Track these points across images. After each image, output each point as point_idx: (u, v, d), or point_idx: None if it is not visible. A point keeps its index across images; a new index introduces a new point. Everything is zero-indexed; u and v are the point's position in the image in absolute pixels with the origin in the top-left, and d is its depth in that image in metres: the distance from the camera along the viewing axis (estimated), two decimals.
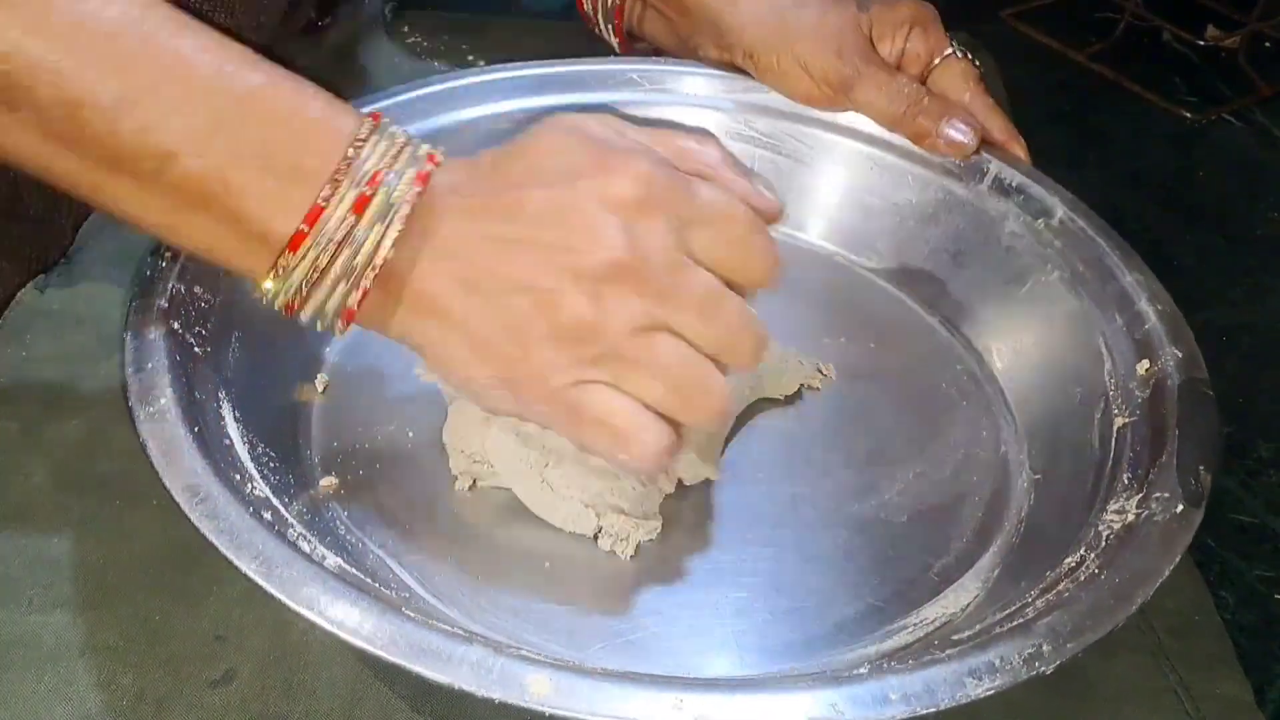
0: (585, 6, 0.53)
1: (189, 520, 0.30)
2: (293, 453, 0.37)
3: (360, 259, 0.30)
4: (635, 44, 0.53)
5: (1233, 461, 0.48)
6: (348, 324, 0.32)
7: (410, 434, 0.39)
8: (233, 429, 0.34)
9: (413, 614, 0.28)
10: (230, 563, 0.29)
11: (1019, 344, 0.43)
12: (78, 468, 0.38)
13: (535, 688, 0.27)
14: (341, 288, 0.31)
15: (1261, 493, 0.47)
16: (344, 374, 0.41)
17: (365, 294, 0.31)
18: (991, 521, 0.38)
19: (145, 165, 0.30)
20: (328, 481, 0.37)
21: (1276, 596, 0.43)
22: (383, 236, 0.30)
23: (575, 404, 0.31)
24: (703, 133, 0.36)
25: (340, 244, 0.30)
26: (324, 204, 0.30)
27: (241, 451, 0.34)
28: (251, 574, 0.29)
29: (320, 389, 0.41)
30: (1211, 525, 0.45)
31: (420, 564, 0.35)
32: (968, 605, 0.35)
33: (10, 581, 0.35)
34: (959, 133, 0.45)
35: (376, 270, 0.30)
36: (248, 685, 0.33)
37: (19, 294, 0.44)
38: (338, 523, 0.36)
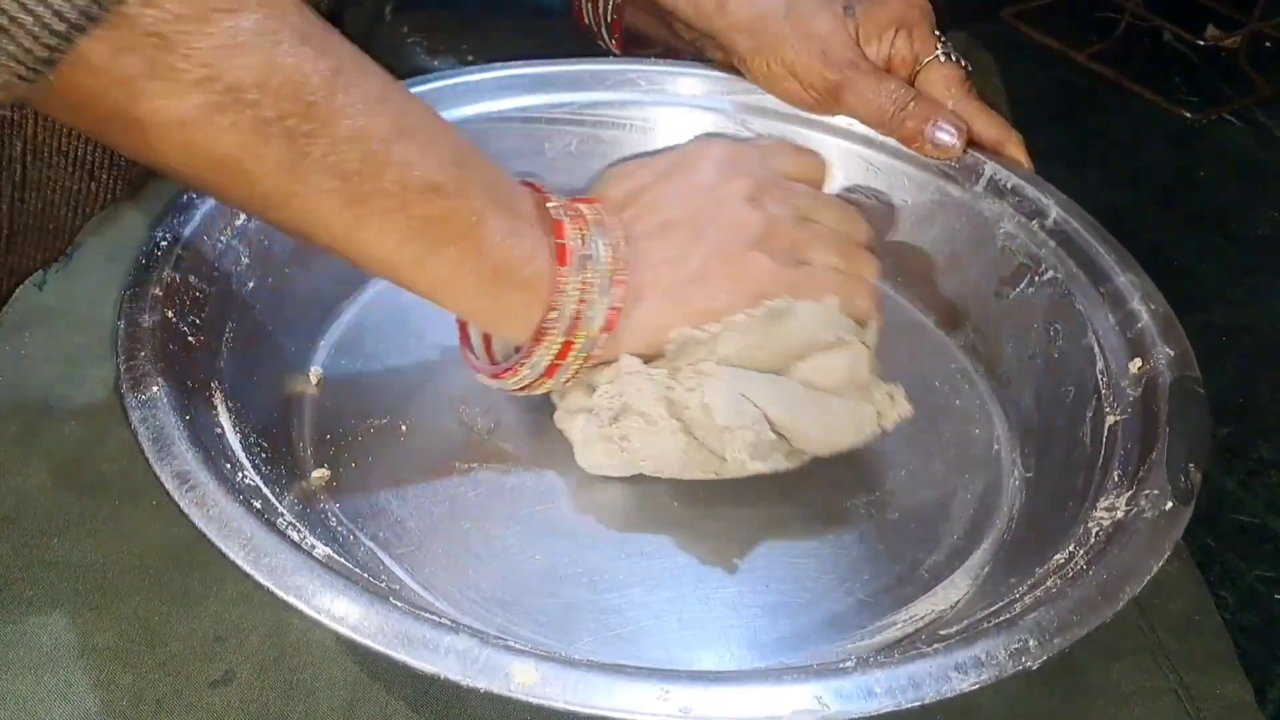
0: (585, 19, 0.53)
1: (181, 511, 0.30)
2: (285, 444, 0.38)
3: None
4: (638, 51, 0.53)
5: (1233, 461, 0.48)
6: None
7: (403, 427, 0.39)
8: (225, 418, 0.34)
9: (400, 603, 0.28)
10: (221, 553, 0.29)
11: (1011, 342, 0.43)
12: (76, 468, 0.38)
13: (520, 677, 0.27)
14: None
15: (1261, 493, 0.46)
16: (338, 366, 0.41)
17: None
18: (983, 519, 0.38)
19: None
20: (320, 473, 0.37)
21: (1276, 596, 0.42)
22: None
23: (791, 280, 0.37)
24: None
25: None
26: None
27: (233, 441, 0.34)
28: (239, 561, 0.29)
29: (314, 381, 0.41)
30: (1211, 525, 0.44)
31: (410, 556, 0.35)
32: (958, 602, 0.35)
33: (9, 582, 0.35)
34: (946, 134, 0.45)
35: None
36: (247, 686, 0.33)
37: (17, 290, 0.44)
38: (329, 514, 0.36)
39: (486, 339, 0.39)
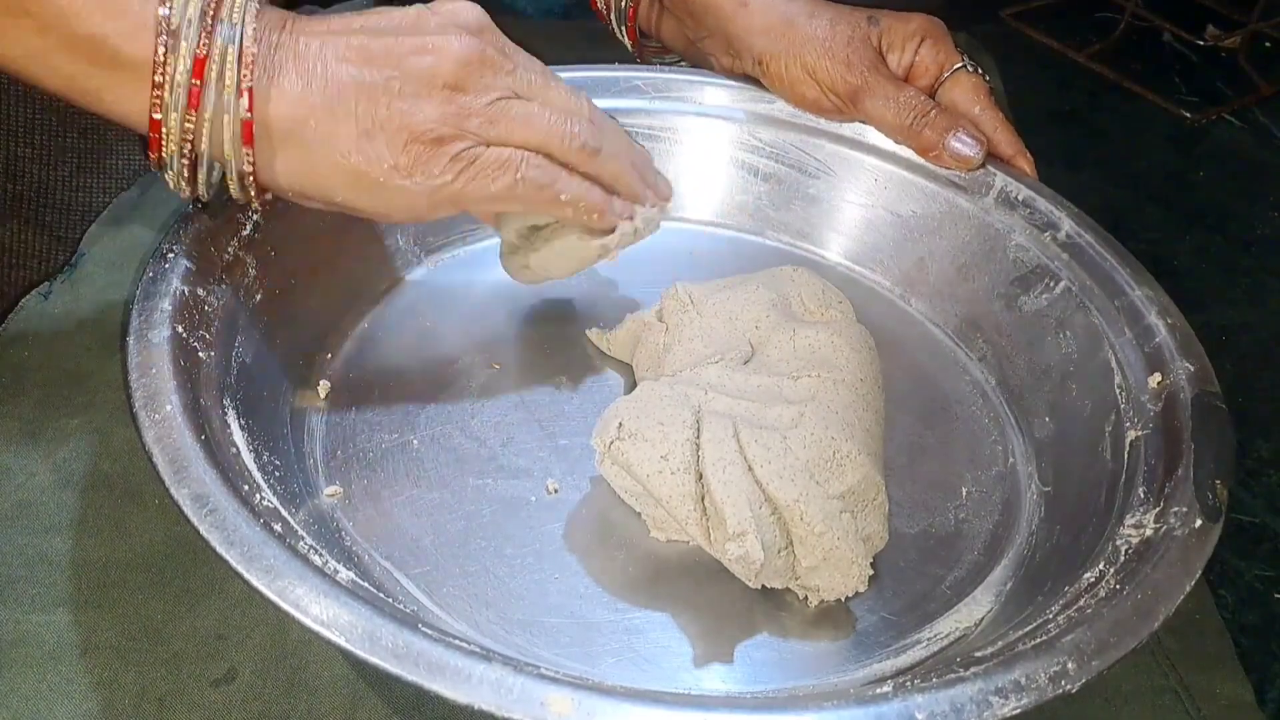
0: (599, 4, 0.53)
1: (201, 535, 0.29)
2: (296, 461, 0.37)
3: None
4: (646, 43, 0.53)
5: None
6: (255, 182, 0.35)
7: (415, 442, 0.39)
8: (239, 437, 0.34)
9: (429, 631, 0.28)
10: (240, 576, 0.28)
11: (1026, 356, 0.43)
12: (79, 467, 0.38)
13: (556, 706, 0.26)
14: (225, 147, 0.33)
15: (1261, 493, 0.47)
16: (345, 380, 0.41)
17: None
18: (1002, 534, 0.38)
19: None
20: (332, 490, 0.37)
21: (1276, 596, 0.42)
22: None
23: (472, 160, 0.35)
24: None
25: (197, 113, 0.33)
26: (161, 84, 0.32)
27: (248, 460, 0.34)
28: (263, 588, 0.28)
29: (323, 395, 0.40)
30: None
31: (427, 576, 0.35)
32: (981, 619, 0.35)
33: (12, 581, 0.35)
34: (965, 146, 0.45)
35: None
36: (249, 684, 0.33)
37: (22, 301, 0.44)
38: (343, 533, 0.36)
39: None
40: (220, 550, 0.29)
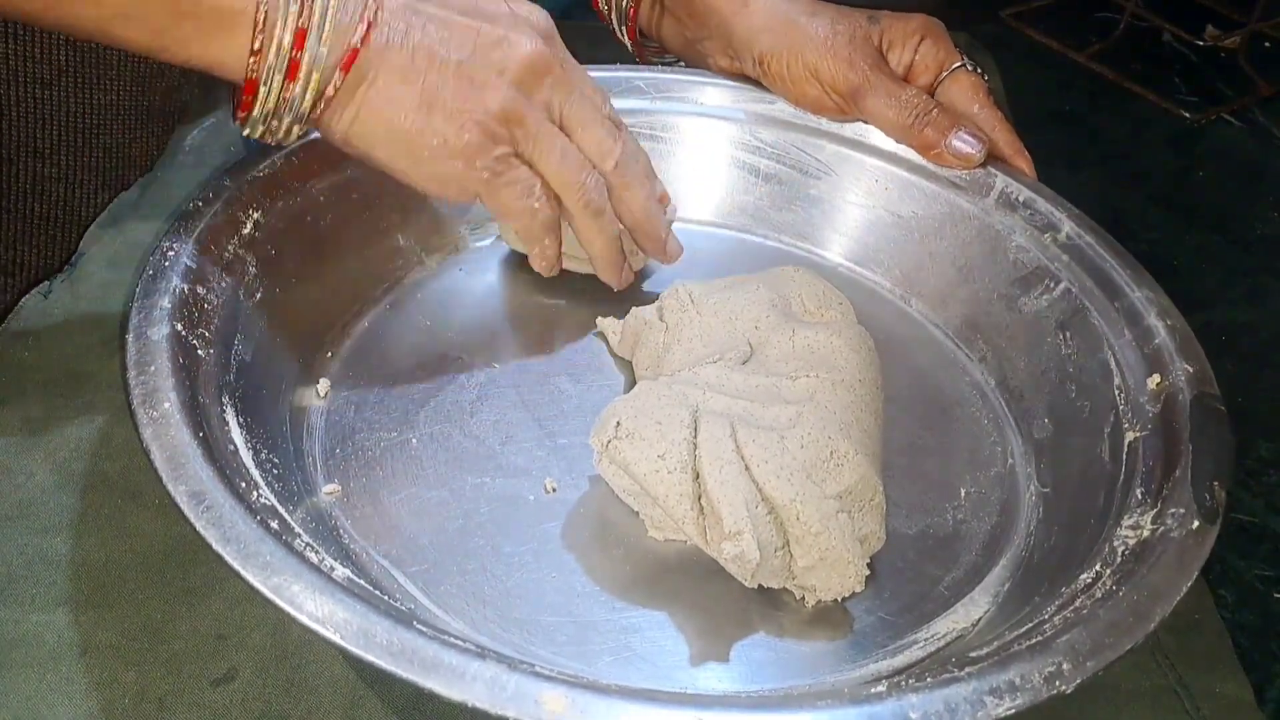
0: (600, 4, 0.53)
1: (198, 532, 0.29)
2: (295, 459, 0.37)
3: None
4: (646, 44, 0.53)
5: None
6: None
7: (414, 441, 0.39)
8: (237, 435, 0.34)
9: (424, 628, 0.28)
10: (236, 572, 0.29)
11: (1025, 357, 0.43)
12: (79, 467, 0.38)
13: (551, 704, 0.26)
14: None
15: (1261, 493, 0.47)
16: (345, 378, 0.41)
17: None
18: (1000, 535, 0.38)
19: None
20: (330, 488, 0.37)
21: (1276, 595, 0.42)
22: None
23: (505, 171, 0.38)
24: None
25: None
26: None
27: (246, 458, 0.34)
28: (258, 585, 0.28)
29: (322, 394, 0.40)
30: None
31: (425, 574, 0.35)
32: (979, 620, 0.35)
33: (12, 580, 0.35)
34: (966, 145, 0.45)
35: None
36: (249, 684, 0.33)
37: (23, 300, 0.44)
38: (341, 531, 0.36)
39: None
40: (216, 547, 0.29)
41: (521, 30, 0.37)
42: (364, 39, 0.35)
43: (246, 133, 0.37)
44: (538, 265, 0.42)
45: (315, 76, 0.35)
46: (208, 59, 0.34)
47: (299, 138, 0.37)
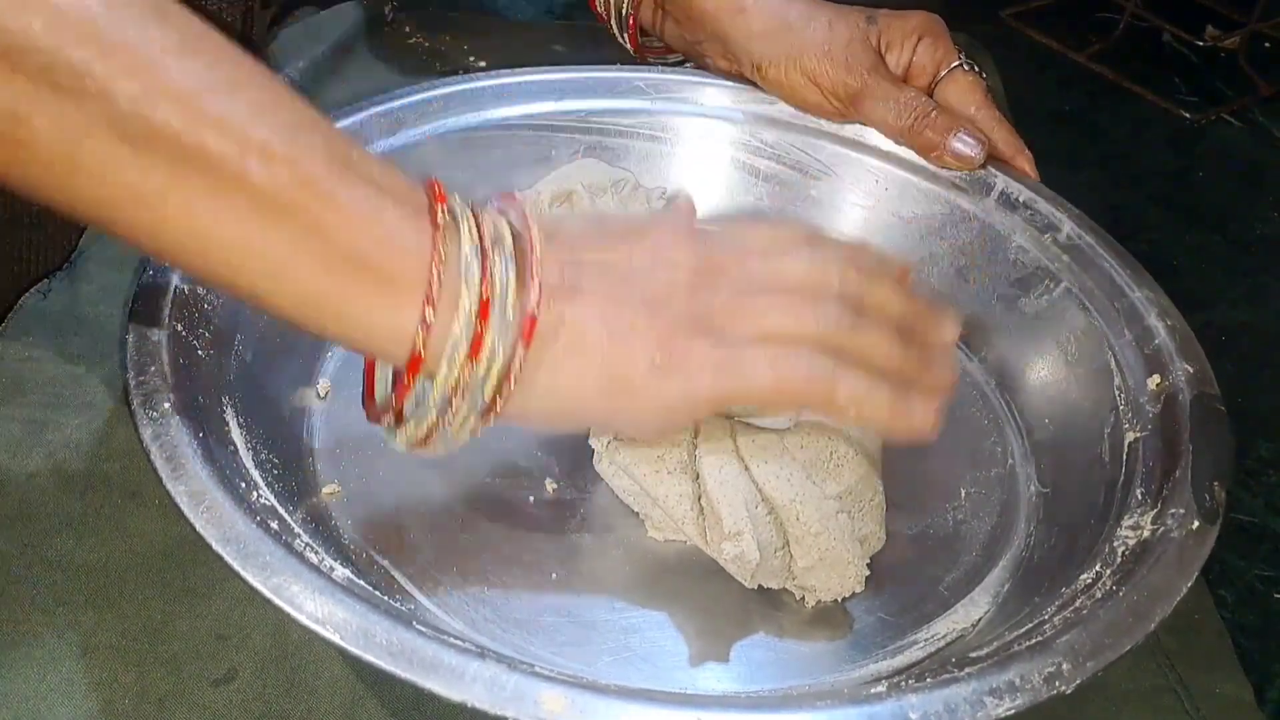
0: (599, 6, 0.53)
1: (197, 531, 0.29)
2: (295, 459, 0.37)
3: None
4: (648, 42, 0.53)
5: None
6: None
7: None
8: (237, 435, 0.34)
9: (424, 629, 0.28)
10: (235, 572, 0.29)
11: (1026, 358, 0.43)
12: (79, 467, 0.38)
13: (550, 704, 0.26)
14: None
15: (1261, 493, 0.47)
16: (345, 379, 0.41)
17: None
18: (1000, 535, 0.38)
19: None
20: (330, 489, 0.37)
21: (1276, 596, 0.43)
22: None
23: (727, 353, 0.30)
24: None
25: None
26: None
27: (246, 458, 0.34)
28: (258, 585, 0.28)
29: (321, 393, 0.40)
30: None
31: (424, 574, 0.35)
32: (979, 620, 0.35)
33: (12, 581, 0.35)
34: (966, 146, 0.45)
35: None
36: (249, 684, 0.33)
37: (22, 300, 0.44)
38: (341, 531, 0.36)
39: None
40: (216, 546, 0.29)
41: (675, 247, 0.30)
42: (538, 303, 0.28)
43: (401, 438, 0.30)
44: (915, 426, 0.32)
45: (501, 354, 0.28)
46: (363, 327, 0.28)
47: (463, 444, 0.30)
